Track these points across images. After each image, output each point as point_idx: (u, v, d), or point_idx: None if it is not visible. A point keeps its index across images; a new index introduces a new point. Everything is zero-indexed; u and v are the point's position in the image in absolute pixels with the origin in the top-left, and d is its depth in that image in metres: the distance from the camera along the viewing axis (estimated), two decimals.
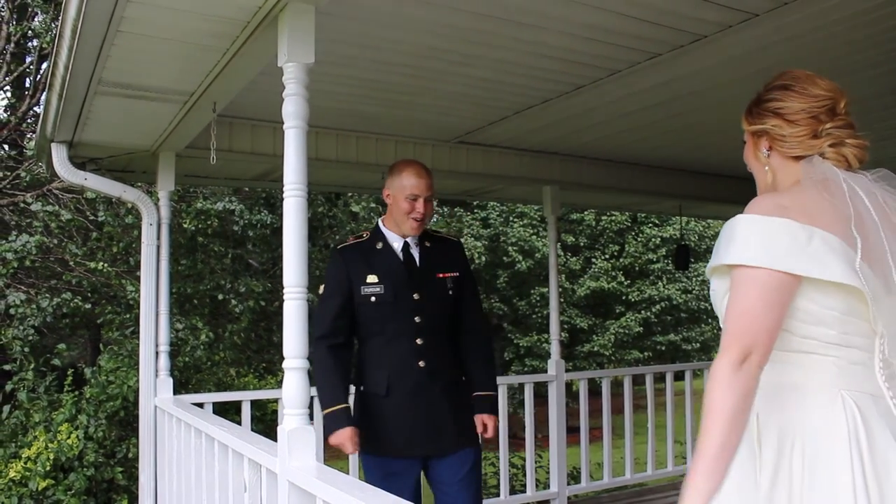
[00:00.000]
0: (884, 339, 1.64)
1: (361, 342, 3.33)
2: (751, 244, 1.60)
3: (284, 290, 2.45)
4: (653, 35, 3.45)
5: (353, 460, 4.55)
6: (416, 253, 3.37)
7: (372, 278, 3.25)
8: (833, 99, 1.77)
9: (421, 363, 3.25)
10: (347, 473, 3.24)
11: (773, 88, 1.83)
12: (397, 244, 3.36)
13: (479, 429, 3.39)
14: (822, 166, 1.71)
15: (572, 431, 6.40)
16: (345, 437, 3.11)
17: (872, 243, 1.61)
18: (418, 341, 3.26)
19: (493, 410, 3.43)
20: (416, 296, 3.28)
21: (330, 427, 3.13)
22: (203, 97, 3.65)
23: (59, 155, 4.49)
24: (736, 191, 6.96)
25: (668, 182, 6.61)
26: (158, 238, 4.69)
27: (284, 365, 2.44)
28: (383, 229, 3.39)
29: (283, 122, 2.51)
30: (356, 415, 3.25)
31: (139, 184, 5.34)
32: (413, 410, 3.23)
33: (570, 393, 11.89)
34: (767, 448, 1.64)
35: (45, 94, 3.91)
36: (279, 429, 2.45)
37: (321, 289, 3.32)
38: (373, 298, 3.24)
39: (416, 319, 3.27)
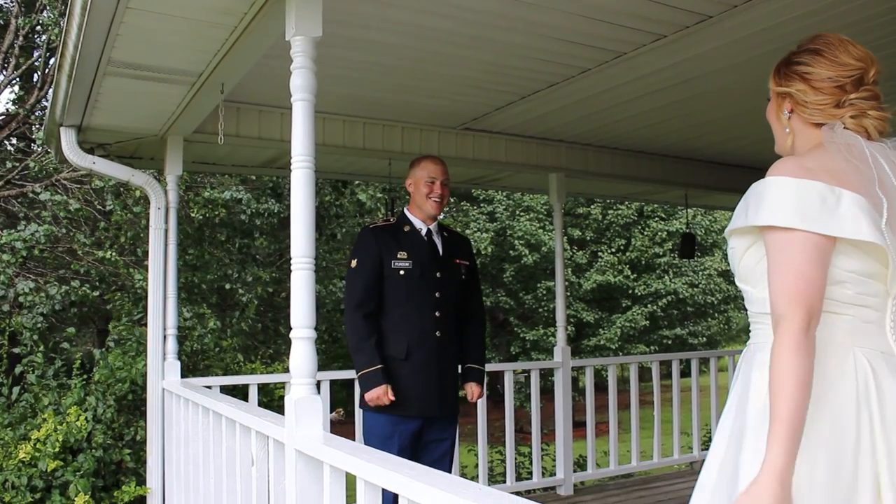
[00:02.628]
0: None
1: (385, 311, 3.67)
2: (784, 206, 1.60)
3: (292, 261, 2.47)
4: (658, 16, 3.46)
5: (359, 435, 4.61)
6: (437, 239, 3.83)
7: (402, 254, 3.68)
8: (863, 69, 1.75)
9: (437, 333, 3.68)
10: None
11: (804, 52, 1.81)
12: (422, 229, 3.79)
13: (469, 395, 3.90)
14: (845, 133, 1.71)
15: (578, 426, 6.42)
16: (381, 392, 3.50)
17: (894, 207, 1.64)
18: (437, 314, 3.69)
19: (481, 382, 3.92)
20: (438, 274, 3.74)
21: (367, 385, 3.52)
22: (211, 78, 3.68)
23: (67, 139, 4.53)
24: (741, 180, 6.97)
25: (674, 170, 6.61)
26: (166, 222, 4.73)
27: (292, 335, 2.46)
28: (409, 216, 3.82)
29: (290, 108, 2.56)
30: (403, 389, 3.59)
31: (149, 171, 5.37)
32: (426, 374, 3.64)
33: (577, 388, 11.91)
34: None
35: (54, 75, 3.94)
36: (286, 398, 2.47)
37: (353, 263, 3.70)
38: (401, 272, 3.66)
39: (437, 294, 3.71)
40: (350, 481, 2.17)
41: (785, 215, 1.59)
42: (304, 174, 2.48)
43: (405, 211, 3.87)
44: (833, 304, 1.64)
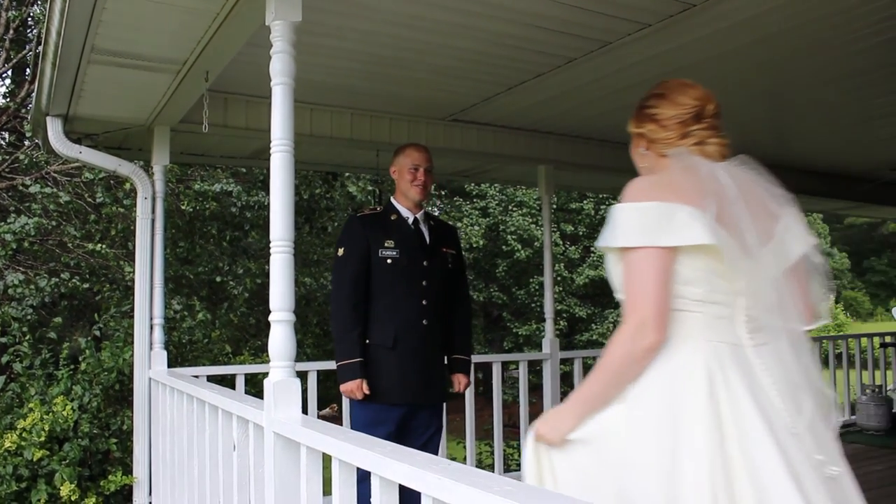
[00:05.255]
0: (746, 297, 1.91)
1: (372, 300, 3.68)
2: (629, 229, 1.89)
3: (271, 244, 2.48)
4: (642, 4, 3.46)
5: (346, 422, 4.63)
6: (424, 228, 3.85)
7: (389, 243, 3.70)
8: (700, 105, 2.07)
9: (424, 321, 3.71)
10: None
11: (652, 97, 2.15)
12: (409, 217, 3.81)
13: (456, 386, 3.94)
14: (687, 157, 2.02)
15: None
16: (355, 386, 3.52)
17: (729, 214, 1.87)
18: (424, 302, 3.72)
19: (467, 372, 3.98)
20: (425, 263, 3.76)
21: (344, 377, 3.55)
22: (195, 66, 3.68)
23: (54, 129, 4.52)
24: None
25: None
26: (153, 212, 4.73)
27: (271, 318, 2.47)
28: (396, 204, 3.84)
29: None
30: (384, 375, 3.62)
31: (136, 162, 5.36)
32: (414, 363, 3.67)
33: (567, 383, 11.91)
34: (646, 393, 1.87)
35: (38, 63, 3.93)
36: (265, 381, 2.48)
37: (340, 251, 3.71)
38: (389, 261, 3.69)
39: (424, 283, 3.73)
40: (329, 468, 2.18)
41: (630, 237, 1.88)
42: (282, 157, 2.49)
43: (392, 200, 3.90)
44: (687, 302, 1.89)
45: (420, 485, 1.56)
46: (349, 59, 4.15)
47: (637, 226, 1.87)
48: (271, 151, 2.51)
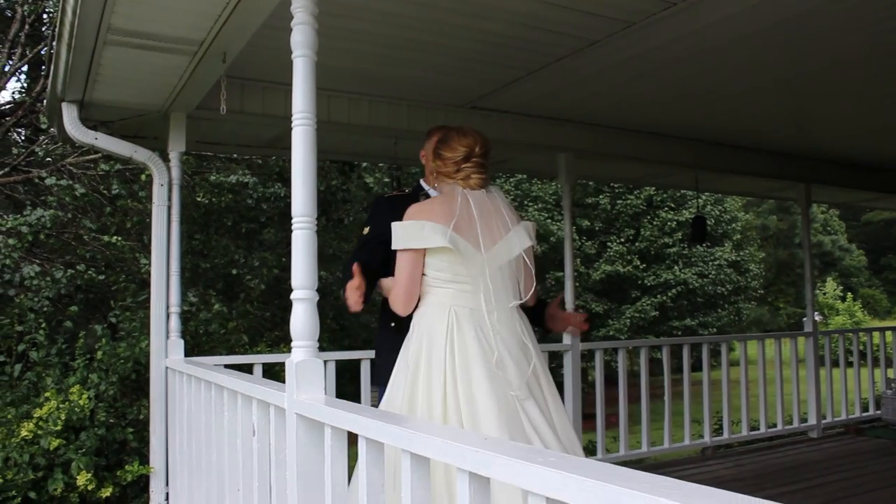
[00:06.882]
0: (484, 277, 2.87)
1: None
2: (398, 237, 2.96)
3: (293, 220, 2.41)
4: None
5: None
6: None
7: None
8: (469, 150, 3.02)
9: None
10: None
11: (439, 141, 3.15)
12: None
13: (574, 322, 4.01)
14: (452, 186, 3.03)
15: (588, 418, 6.35)
16: (353, 283, 3.05)
17: (468, 226, 2.89)
18: None
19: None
20: None
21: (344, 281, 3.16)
22: (213, 46, 3.61)
23: (69, 115, 4.47)
24: (755, 163, 6.87)
25: (684, 151, 6.52)
26: (169, 199, 4.67)
27: (292, 296, 2.39)
28: (424, 186, 3.72)
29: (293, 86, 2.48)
30: (384, 353, 3.42)
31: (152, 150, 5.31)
32: None
33: (586, 380, 11.78)
34: (414, 337, 2.95)
35: (54, 44, 3.88)
36: (287, 361, 2.40)
37: (365, 230, 3.65)
38: None
39: None
40: (352, 456, 2.11)
41: (397, 242, 2.97)
42: (304, 131, 2.41)
43: (421, 182, 3.81)
44: (439, 282, 2.95)
45: (456, 459, 1.48)
46: (368, 42, 4.08)
47: (402, 235, 2.95)
48: (293, 125, 2.44)
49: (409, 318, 3.12)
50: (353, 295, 3.14)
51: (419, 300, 3.01)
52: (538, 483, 1.25)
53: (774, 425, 7.30)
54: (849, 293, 32.16)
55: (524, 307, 3.17)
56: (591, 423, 6.32)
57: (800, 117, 6.10)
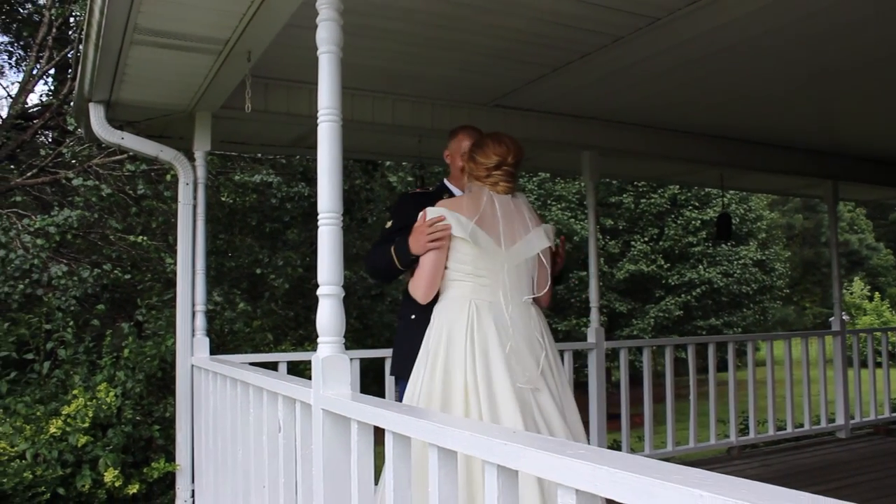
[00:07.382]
0: (503, 273, 3.04)
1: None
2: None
3: (319, 216, 2.41)
4: None
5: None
6: None
7: None
8: (502, 158, 3.15)
9: None
10: None
11: (475, 145, 3.29)
12: None
13: None
14: (479, 189, 3.18)
15: (612, 418, 6.31)
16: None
17: (490, 224, 3.07)
18: None
19: None
20: None
21: (403, 244, 3.25)
22: (238, 45, 3.62)
23: (96, 115, 4.51)
24: (780, 160, 6.79)
25: (709, 149, 6.47)
26: (195, 198, 4.70)
27: (319, 292, 2.40)
28: (448, 185, 3.80)
29: (318, 83, 2.48)
30: (405, 344, 3.44)
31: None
32: None
33: (610, 381, 11.72)
34: (435, 329, 3.06)
35: (81, 46, 3.91)
36: (313, 357, 2.40)
37: (388, 224, 3.70)
38: None
39: None
40: (378, 454, 2.10)
41: None
42: (330, 127, 2.41)
43: (445, 181, 3.84)
44: (461, 275, 3.08)
45: (484, 452, 1.47)
46: (393, 40, 4.08)
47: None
48: (318, 121, 2.44)
49: (430, 311, 3.20)
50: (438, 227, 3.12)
51: (439, 294, 3.15)
52: (570, 475, 1.24)
53: (801, 425, 7.22)
54: (876, 293, 31.74)
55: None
56: (615, 422, 6.29)
57: (827, 114, 6.03)
